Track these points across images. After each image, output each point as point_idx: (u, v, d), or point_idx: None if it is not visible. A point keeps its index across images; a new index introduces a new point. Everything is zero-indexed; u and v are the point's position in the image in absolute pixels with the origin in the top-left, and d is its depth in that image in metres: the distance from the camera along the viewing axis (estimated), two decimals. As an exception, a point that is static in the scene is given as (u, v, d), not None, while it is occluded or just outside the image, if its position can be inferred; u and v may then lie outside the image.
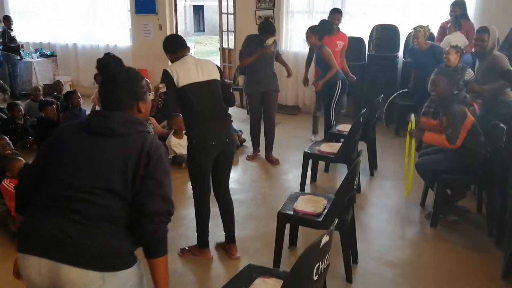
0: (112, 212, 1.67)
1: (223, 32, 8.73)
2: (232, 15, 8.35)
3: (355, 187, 3.04)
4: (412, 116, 4.14)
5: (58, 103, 6.43)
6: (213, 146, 3.10)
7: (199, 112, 3.06)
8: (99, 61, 1.91)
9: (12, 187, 3.51)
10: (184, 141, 5.33)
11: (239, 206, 4.10)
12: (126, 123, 1.79)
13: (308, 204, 3.09)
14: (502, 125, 3.72)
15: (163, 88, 3.01)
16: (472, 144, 3.64)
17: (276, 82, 5.34)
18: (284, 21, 7.75)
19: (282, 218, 3.06)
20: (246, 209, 4.19)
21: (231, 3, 8.38)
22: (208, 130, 3.08)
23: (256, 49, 5.05)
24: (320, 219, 2.92)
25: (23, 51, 9.27)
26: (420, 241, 3.72)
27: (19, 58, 9.00)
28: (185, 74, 3.03)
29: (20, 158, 4.02)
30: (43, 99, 6.53)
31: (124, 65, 1.93)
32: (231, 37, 8.50)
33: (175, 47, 3.19)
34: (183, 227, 3.82)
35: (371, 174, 5.01)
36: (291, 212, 3.02)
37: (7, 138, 4.28)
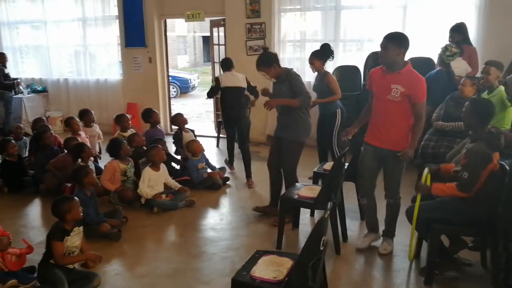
0: None
1: (215, 64, 8.43)
2: (224, 46, 8.07)
3: (322, 247, 2.52)
4: (426, 169, 3.52)
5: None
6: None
7: None
8: None
9: None
10: (158, 177, 4.98)
11: (205, 261, 3.64)
12: None
13: (269, 268, 2.59)
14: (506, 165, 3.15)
15: None
16: (486, 194, 3.09)
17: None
18: (276, 51, 7.37)
19: (236, 287, 2.56)
20: (211, 264, 3.65)
21: (222, 34, 8.12)
22: None
23: None
24: (280, 289, 2.42)
25: (23, 87, 9.13)
26: (412, 304, 3.16)
27: (13, 94, 8.77)
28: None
29: None
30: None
31: None
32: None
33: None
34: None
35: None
36: (247, 280, 2.52)
37: None
